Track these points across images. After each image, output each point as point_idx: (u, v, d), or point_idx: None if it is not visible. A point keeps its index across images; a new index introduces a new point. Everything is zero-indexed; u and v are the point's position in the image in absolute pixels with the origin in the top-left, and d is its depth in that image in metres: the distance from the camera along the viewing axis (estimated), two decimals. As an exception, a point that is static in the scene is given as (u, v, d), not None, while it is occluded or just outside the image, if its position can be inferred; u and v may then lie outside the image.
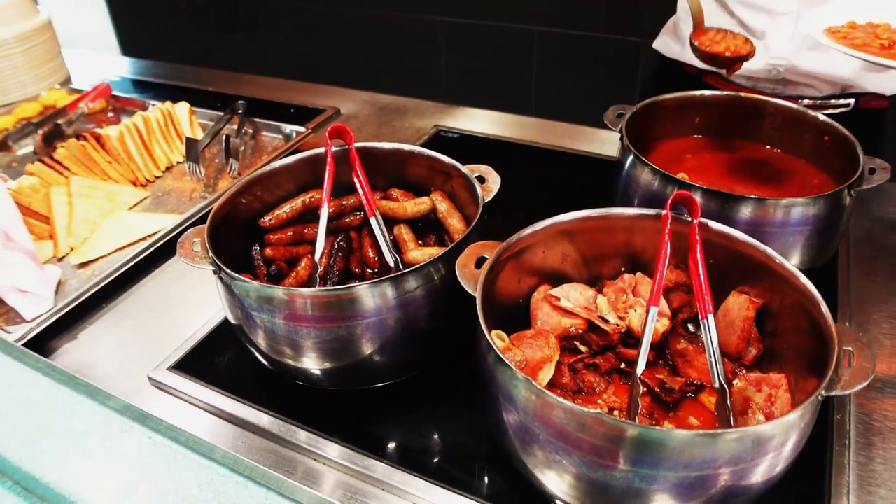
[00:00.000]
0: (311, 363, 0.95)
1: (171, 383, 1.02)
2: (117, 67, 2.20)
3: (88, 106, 1.78)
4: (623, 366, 0.95)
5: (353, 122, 1.71)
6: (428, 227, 1.15)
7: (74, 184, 1.39)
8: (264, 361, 1.01)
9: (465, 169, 1.06)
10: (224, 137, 1.55)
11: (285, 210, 1.12)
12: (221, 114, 1.69)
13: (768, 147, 1.25)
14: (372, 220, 1.06)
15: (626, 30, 2.66)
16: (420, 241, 1.12)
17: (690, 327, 1.01)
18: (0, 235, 1.20)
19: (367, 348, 0.93)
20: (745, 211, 1.03)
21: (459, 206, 1.12)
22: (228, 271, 0.91)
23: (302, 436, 0.93)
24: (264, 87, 1.93)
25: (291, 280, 1.08)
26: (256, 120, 1.66)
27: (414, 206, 1.11)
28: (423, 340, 0.98)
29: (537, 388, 0.73)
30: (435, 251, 1.07)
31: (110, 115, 1.85)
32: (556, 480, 0.77)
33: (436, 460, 0.93)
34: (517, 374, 0.75)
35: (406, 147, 1.14)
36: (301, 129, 1.61)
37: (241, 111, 1.65)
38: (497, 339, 0.83)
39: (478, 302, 0.82)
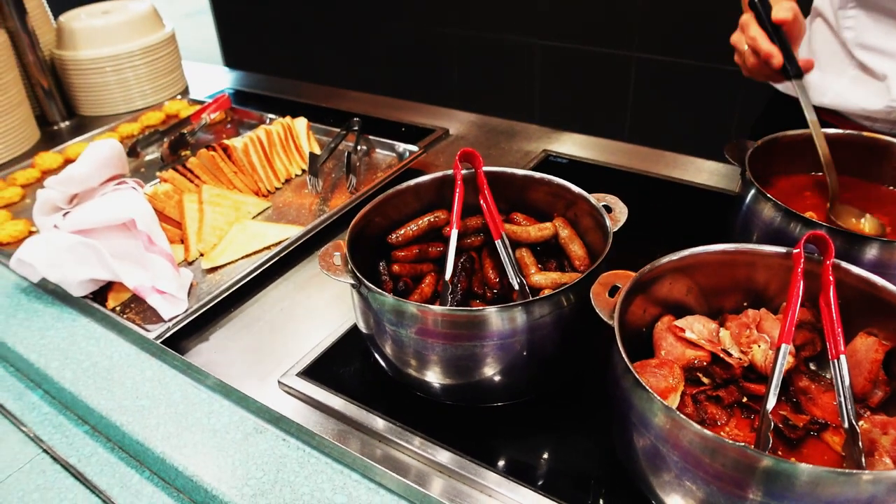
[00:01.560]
0: (436, 377, 1.00)
1: (301, 388, 1.08)
2: (230, 80, 2.32)
3: (210, 117, 1.89)
4: (745, 399, 0.96)
5: (463, 143, 1.76)
6: (547, 252, 1.19)
7: (205, 192, 1.48)
8: (390, 372, 1.06)
9: (592, 198, 1.09)
10: (346, 154, 1.62)
11: (412, 228, 1.17)
12: (335, 129, 1.77)
13: (890, 188, 1.24)
14: (498, 243, 1.11)
15: (723, 59, 2.65)
16: (541, 266, 1.16)
17: (812, 366, 1.02)
18: (143, 238, 1.29)
19: (491, 368, 0.97)
20: (872, 252, 1.03)
21: (580, 233, 1.16)
22: (370, 285, 0.97)
23: (434, 450, 0.97)
24: (372, 105, 2.01)
25: (416, 296, 1.13)
26: (370, 137, 1.73)
27: (537, 230, 1.15)
28: (544, 365, 1.01)
29: (677, 415, 0.75)
30: (558, 276, 1.10)
31: (228, 126, 1.95)
32: (678, 502, 0.80)
33: (547, 476, 0.96)
34: (655, 397, 0.78)
35: (532, 173, 1.18)
36: (414, 148, 1.67)
37: (356, 128, 1.72)
38: (631, 367, 0.86)
39: (616, 329, 0.85)
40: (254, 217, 1.51)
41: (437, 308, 0.95)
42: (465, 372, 0.98)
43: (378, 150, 1.73)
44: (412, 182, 1.18)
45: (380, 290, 0.96)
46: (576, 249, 1.14)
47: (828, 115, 1.47)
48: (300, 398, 1.08)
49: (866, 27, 1.37)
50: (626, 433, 0.84)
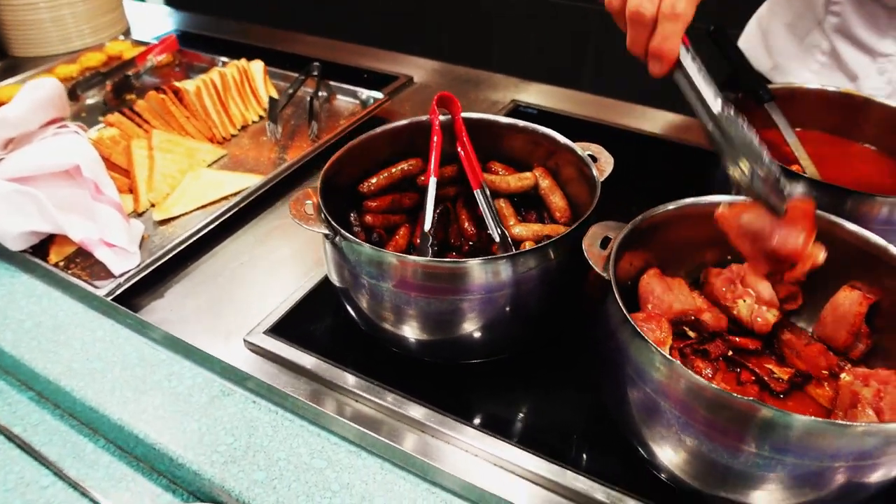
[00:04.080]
0: (415, 332, 0.96)
1: (269, 346, 1.02)
2: (175, 21, 2.17)
3: (156, 59, 1.77)
4: (731, 353, 0.95)
5: (428, 92, 1.69)
6: (525, 203, 1.14)
7: (155, 137, 1.38)
8: (365, 327, 1.01)
9: (577, 147, 1.05)
10: (309, 100, 1.53)
11: (384, 177, 1.11)
12: (292, 74, 1.67)
13: (867, 146, 1.24)
14: (477, 193, 1.06)
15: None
16: (520, 217, 1.12)
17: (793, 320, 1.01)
18: (90, 186, 1.19)
19: (473, 323, 0.93)
20: (861, 207, 1.02)
21: (561, 184, 1.12)
22: (347, 234, 0.91)
23: (415, 409, 0.93)
24: (329, 49, 1.90)
25: (391, 248, 1.07)
26: (331, 83, 1.64)
27: (517, 180, 1.11)
28: (527, 320, 0.98)
29: (678, 366, 0.73)
30: (539, 228, 1.07)
31: (176, 69, 1.83)
32: (670, 455, 0.79)
33: (529, 431, 0.94)
34: (654, 348, 0.75)
35: (514, 121, 1.14)
36: (378, 94, 1.59)
37: (315, 73, 1.63)
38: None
39: (612, 281, 0.82)
40: (209, 165, 1.42)
41: (421, 259, 0.90)
42: (446, 327, 0.94)
43: (339, 97, 1.65)
44: (385, 127, 1.11)
45: (357, 240, 0.91)
46: (556, 201, 1.10)
47: None
48: (269, 357, 1.02)
49: (852, 16, 1.35)
50: (620, 386, 0.82)
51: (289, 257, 1.22)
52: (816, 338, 0.97)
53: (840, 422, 0.74)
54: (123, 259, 1.16)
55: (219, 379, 1.00)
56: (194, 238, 1.22)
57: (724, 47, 1.25)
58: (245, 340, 1.04)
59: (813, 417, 0.71)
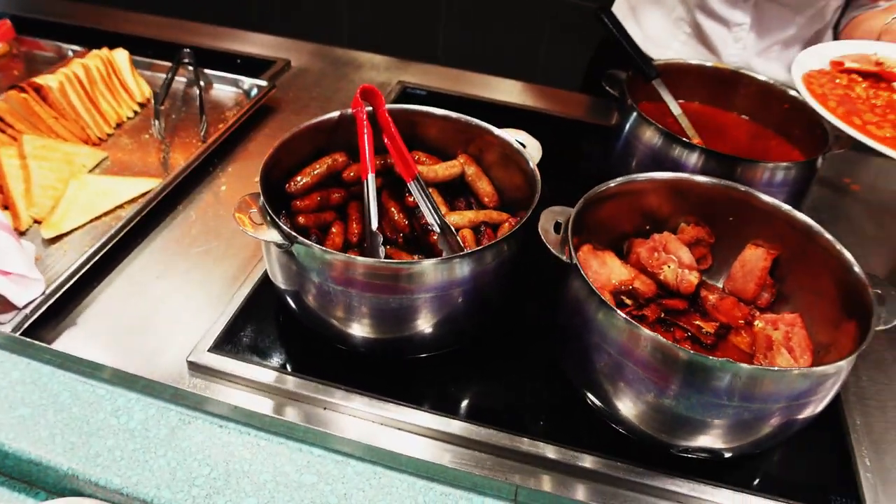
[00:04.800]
0: (369, 331, 0.96)
1: (218, 365, 0.97)
2: (1, 3, 1.92)
3: (-9, 50, 1.56)
4: (663, 315, 1.05)
5: (309, 76, 1.64)
6: (450, 191, 1.17)
7: (27, 144, 1.23)
8: (316, 329, 1.00)
9: (507, 136, 1.09)
10: (198, 94, 1.44)
11: (312, 175, 1.09)
12: (159, 62, 1.56)
13: (741, 115, 1.39)
14: (412, 185, 1.07)
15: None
16: (448, 205, 1.14)
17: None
18: (-31, 208, 1.06)
19: (431, 319, 0.95)
20: (748, 172, 1.15)
21: (485, 169, 1.15)
22: (305, 241, 0.89)
23: (386, 407, 0.94)
24: (188, 33, 1.78)
25: (329, 247, 1.05)
26: (207, 72, 1.54)
27: (445, 169, 1.12)
28: (482, 312, 1.01)
29: (644, 330, 0.81)
30: (473, 214, 1.10)
31: (15, 60, 1.62)
32: (631, 408, 0.87)
33: (504, 413, 0.98)
34: (619, 315, 0.83)
35: (436, 111, 1.15)
36: (262, 83, 1.52)
37: (186, 61, 1.53)
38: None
39: (575, 261, 0.88)
40: (91, 170, 1.30)
41: (383, 262, 0.90)
42: (402, 324, 0.95)
43: (217, 86, 1.56)
44: (312, 122, 1.09)
45: (314, 245, 0.89)
46: (484, 186, 1.14)
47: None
48: (220, 376, 0.97)
49: None
50: (586, 353, 0.89)
51: (209, 264, 1.16)
52: (728, 292, 1.10)
53: (780, 368, 0.85)
54: (25, 287, 1.04)
55: (174, 407, 0.94)
56: (99, 255, 1.12)
57: (611, 28, 1.34)
58: (189, 361, 0.98)
59: (761, 367, 0.81)
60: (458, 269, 0.91)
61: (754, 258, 1.07)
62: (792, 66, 1.20)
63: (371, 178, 1.03)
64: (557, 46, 2.86)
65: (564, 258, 0.90)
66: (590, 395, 0.93)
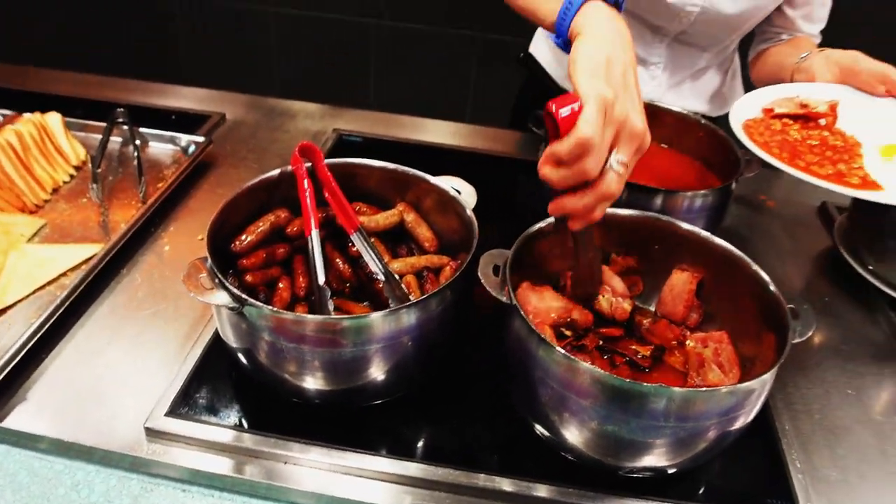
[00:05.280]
0: (321, 384, 0.99)
1: (175, 429, 0.98)
2: None
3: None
4: (601, 343, 1.11)
5: (245, 128, 1.67)
6: (390, 238, 1.21)
7: (-38, 219, 1.23)
8: (265, 382, 1.03)
9: (441, 183, 1.14)
10: (135, 155, 1.44)
11: (256, 232, 1.11)
12: (92, 123, 1.55)
13: (663, 145, 1.48)
14: (355, 236, 1.10)
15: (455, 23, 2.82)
16: (391, 253, 1.18)
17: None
18: None
19: (380, 369, 0.98)
20: (669, 202, 1.24)
21: (423, 215, 1.20)
22: (256, 302, 0.92)
23: (346, 456, 0.97)
24: (118, 89, 1.78)
25: (277, 304, 1.09)
26: (142, 130, 1.55)
27: (385, 219, 1.17)
28: (428, 357, 1.05)
29: (582, 364, 0.87)
30: (415, 260, 1.15)
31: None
32: (577, 436, 0.92)
33: (462, 452, 1.02)
34: (558, 350, 0.88)
35: (373, 163, 1.19)
36: (199, 139, 1.54)
37: (121, 120, 1.53)
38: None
39: (515, 302, 0.93)
40: (29, 239, 1.29)
41: (332, 318, 0.94)
42: (353, 375, 0.98)
43: (153, 144, 1.57)
44: (254, 182, 1.12)
45: (264, 306, 0.92)
46: (424, 232, 1.18)
47: None
48: (178, 440, 0.98)
49: None
50: (532, 387, 0.94)
51: (159, 326, 1.17)
52: (660, 315, 1.17)
53: (711, 387, 0.92)
54: (-30, 366, 1.04)
55: (134, 476, 0.95)
56: (45, 327, 1.12)
57: (533, 71, 1.41)
58: (146, 428, 0.99)
59: (692, 388, 0.88)
60: (405, 318, 0.95)
61: (681, 282, 1.15)
62: (730, 118, 1.29)
63: (315, 233, 1.07)
64: (485, 83, 2.95)
65: (504, 299, 0.96)
66: (538, 426, 0.98)
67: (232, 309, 0.94)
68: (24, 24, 3.26)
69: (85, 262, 1.23)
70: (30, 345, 1.08)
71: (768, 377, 0.91)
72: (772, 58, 1.58)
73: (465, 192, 1.15)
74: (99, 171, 1.43)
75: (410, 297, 1.07)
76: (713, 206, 1.29)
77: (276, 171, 1.13)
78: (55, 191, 1.43)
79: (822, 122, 1.30)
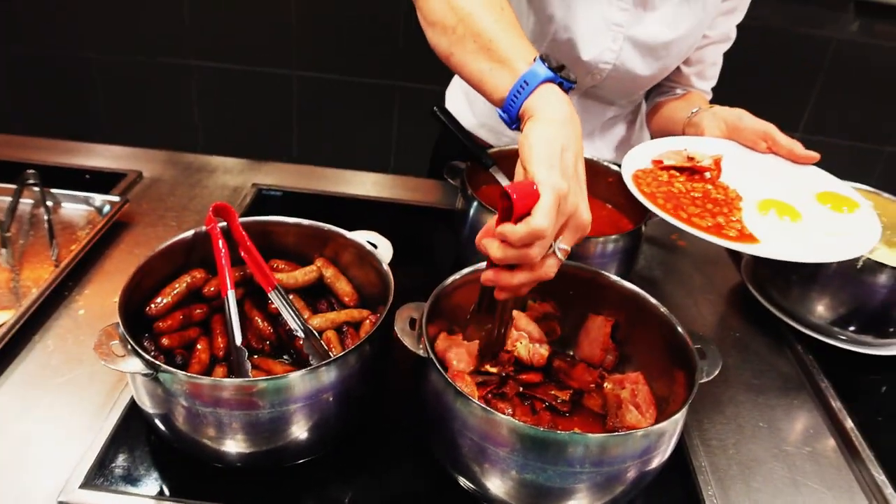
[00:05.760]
0: (241, 446, 0.97)
1: (92, 502, 0.96)
2: None
3: None
4: (521, 389, 1.13)
5: (163, 186, 1.65)
6: (311, 293, 1.21)
7: None
8: (182, 447, 1.01)
9: (359, 239, 1.16)
10: (46, 218, 1.41)
11: (172, 295, 1.10)
12: (1, 186, 1.52)
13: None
14: (272, 294, 1.11)
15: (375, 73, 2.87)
16: (311, 308, 1.19)
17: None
18: None
19: (302, 427, 0.98)
20: (582, 248, 1.28)
21: (342, 270, 1.21)
22: (170, 369, 0.91)
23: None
24: (25, 149, 1.74)
25: (196, 366, 1.07)
26: (53, 191, 1.52)
27: (303, 275, 1.17)
28: (350, 412, 1.04)
29: (499, 415, 0.89)
30: (335, 315, 1.15)
31: None
32: (499, 485, 0.93)
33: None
34: (475, 403, 0.90)
35: (287, 220, 1.20)
36: (114, 198, 1.51)
37: (31, 181, 1.50)
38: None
39: (430, 355, 0.95)
40: (-66, 310, 1.24)
41: (247, 381, 0.93)
42: (274, 436, 0.97)
43: (66, 205, 1.53)
44: (167, 243, 1.11)
45: (181, 373, 0.91)
46: (343, 286, 1.19)
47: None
48: (94, 513, 0.96)
49: None
50: (451, 438, 0.95)
51: (73, 393, 1.13)
52: (578, 359, 1.20)
53: (624, 432, 0.95)
54: None
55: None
56: (-50, 400, 1.07)
57: (447, 123, 1.45)
58: (60, 502, 0.96)
59: (605, 434, 0.90)
60: (325, 375, 0.95)
61: (595, 326, 1.19)
62: (622, 167, 1.31)
63: (231, 294, 1.06)
64: (406, 132, 3.00)
65: (422, 353, 0.97)
66: (461, 477, 0.99)
67: (146, 375, 0.93)
68: None
69: (-4, 330, 1.19)
70: (-69, 422, 1.04)
71: (679, 417, 0.95)
72: (666, 111, 1.67)
73: (381, 246, 1.16)
74: (8, 235, 1.39)
75: (331, 353, 1.08)
76: (625, 249, 1.34)
77: (190, 232, 1.13)
78: (-39, 257, 1.38)
79: (708, 174, 1.35)
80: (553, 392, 1.14)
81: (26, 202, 1.51)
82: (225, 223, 1.15)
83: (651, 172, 1.34)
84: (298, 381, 0.93)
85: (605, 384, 1.13)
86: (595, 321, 1.19)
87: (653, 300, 1.11)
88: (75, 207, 1.54)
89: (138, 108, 3.10)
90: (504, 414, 1.05)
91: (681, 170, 1.35)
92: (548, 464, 0.88)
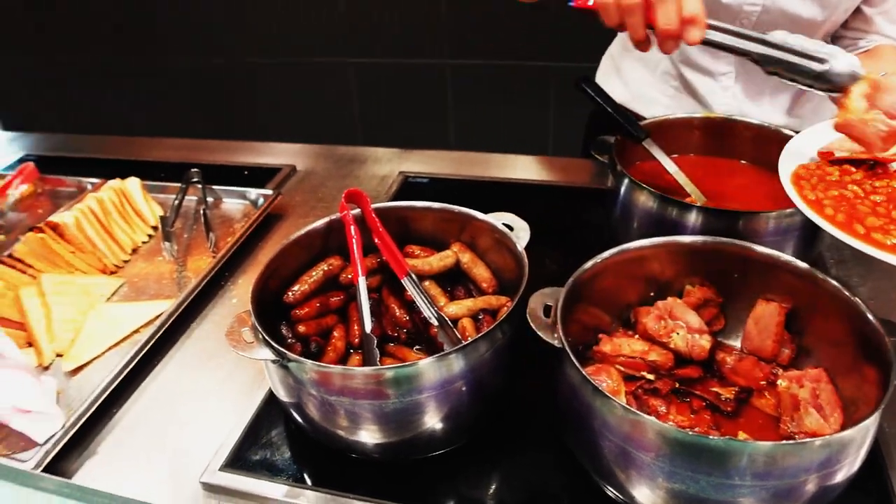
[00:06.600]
0: (372, 437, 0.94)
1: (229, 483, 0.97)
2: (21, 145, 2.04)
3: (18, 192, 1.65)
4: (677, 385, 1.01)
5: (315, 178, 1.69)
6: (448, 279, 1.16)
7: (46, 282, 1.29)
8: (321, 439, 0.99)
9: (493, 221, 1.09)
10: (202, 211, 1.49)
11: (308, 282, 1.10)
12: (170, 184, 1.62)
13: (741, 161, 1.36)
14: (405, 281, 1.07)
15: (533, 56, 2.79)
16: (448, 295, 1.14)
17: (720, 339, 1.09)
18: (-11, 354, 1.10)
19: (433, 418, 0.93)
20: (751, 224, 1.12)
21: (480, 255, 1.15)
22: (295, 357, 0.89)
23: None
24: (199, 150, 1.86)
25: (331, 354, 1.06)
26: (215, 188, 1.60)
27: (439, 261, 1.12)
28: (484, 402, 0.99)
29: (647, 418, 0.78)
30: (472, 303, 1.09)
31: (40, 198, 1.71)
32: (648, 495, 0.82)
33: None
34: (615, 402, 0.80)
35: (423, 204, 1.16)
36: (267, 192, 1.57)
37: (196, 180, 1.59)
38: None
39: (565, 346, 0.86)
40: (108, 298, 1.34)
41: (372, 369, 0.90)
42: (405, 427, 0.93)
43: (226, 200, 1.61)
44: (302, 232, 1.11)
45: (306, 361, 0.89)
46: (481, 272, 1.13)
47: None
48: (231, 494, 0.97)
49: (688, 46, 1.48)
50: (591, 440, 0.85)
51: (221, 381, 1.17)
52: (746, 352, 1.05)
53: (799, 440, 0.80)
54: (44, 424, 1.07)
55: (189, 533, 0.94)
56: (116, 382, 1.14)
57: (594, 95, 1.34)
58: (202, 482, 0.98)
59: (772, 442, 0.76)
60: (455, 363, 0.90)
61: (767, 314, 1.03)
62: (779, 165, 1.08)
63: (362, 280, 1.04)
64: (564, 114, 2.88)
65: (556, 343, 0.88)
66: (606, 485, 0.89)
67: (274, 362, 0.92)
68: (114, 97, 3.52)
69: (157, 318, 1.26)
70: (98, 402, 1.11)
71: (871, 422, 0.79)
72: None
73: (518, 228, 1.09)
74: (172, 229, 1.47)
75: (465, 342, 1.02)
76: (803, 226, 1.15)
77: (324, 220, 1.12)
78: (134, 251, 1.49)
79: (895, 167, 1.02)
80: (715, 389, 1.00)
81: (191, 199, 1.59)
82: (359, 209, 1.13)
83: (816, 170, 1.05)
84: (426, 369, 0.88)
85: (780, 382, 0.97)
86: (765, 307, 1.03)
87: (835, 283, 0.94)
88: (233, 202, 1.61)
89: (300, 107, 3.25)
90: (657, 412, 0.97)
91: (857, 163, 1.05)
92: (700, 473, 0.76)
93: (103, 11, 3.24)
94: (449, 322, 1.04)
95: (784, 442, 0.78)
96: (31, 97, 3.67)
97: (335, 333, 1.09)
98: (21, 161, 1.85)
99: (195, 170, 1.60)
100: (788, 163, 1.08)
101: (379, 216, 1.13)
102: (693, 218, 1.15)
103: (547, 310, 0.93)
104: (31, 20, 3.41)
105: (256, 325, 0.94)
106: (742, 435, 0.93)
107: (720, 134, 1.36)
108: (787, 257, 1.00)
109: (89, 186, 1.65)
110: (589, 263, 0.99)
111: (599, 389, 0.81)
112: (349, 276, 1.11)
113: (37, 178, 1.72)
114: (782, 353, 1.03)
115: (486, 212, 1.12)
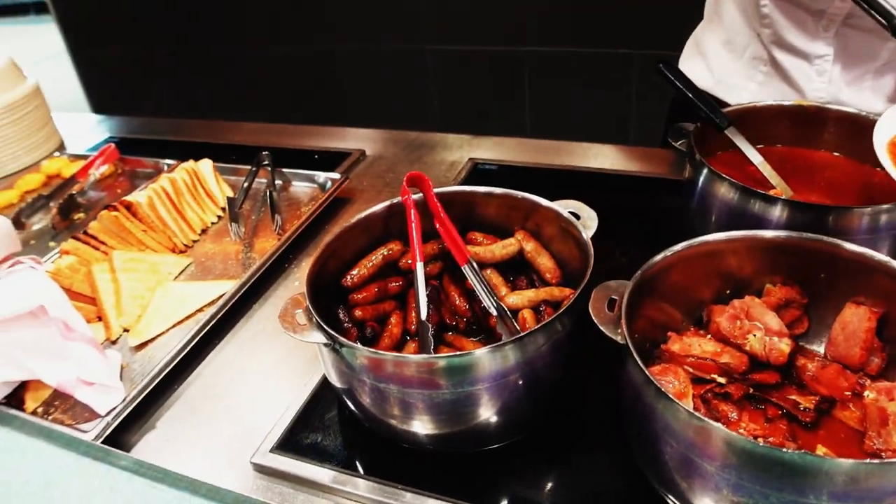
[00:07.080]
0: (426, 427, 0.92)
1: (279, 465, 0.96)
2: (107, 127, 2.12)
3: (98, 172, 1.71)
4: (751, 391, 0.93)
5: (384, 163, 1.67)
6: (511, 268, 1.12)
7: (117, 259, 1.32)
8: (373, 427, 0.97)
9: (559, 208, 1.04)
10: (268, 193, 1.50)
11: (367, 266, 1.08)
12: (242, 167, 1.64)
13: (831, 153, 1.26)
14: (465, 268, 1.03)
15: (612, 43, 2.70)
16: (510, 284, 1.10)
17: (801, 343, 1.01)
18: (59, 325, 1.13)
19: (488, 410, 0.89)
20: (843, 220, 1.02)
21: (544, 244, 1.10)
22: (347, 342, 0.87)
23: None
24: (273, 135, 1.88)
25: (387, 340, 1.04)
26: (284, 170, 1.61)
27: (501, 248, 1.08)
28: (541, 396, 0.95)
29: (707, 422, 0.72)
30: (534, 293, 1.04)
31: (120, 179, 1.77)
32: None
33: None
34: (680, 406, 0.74)
35: (487, 189, 1.12)
36: (335, 175, 1.56)
37: (266, 163, 1.60)
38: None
39: (629, 343, 0.80)
40: (176, 277, 1.36)
41: (425, 357, 0.86)
42: (459, 418, 0.90)
43: (295, 183, 1.62)
44: (360, 217, 1.09)
45: (358, 346, 0.87)
46: (545, 262, 1.08)
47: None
48: (280, 476, 0.96)
49: (783, 25, 1.38)
50: (653, 444, 0.80)
51: (278, 362, 1.17)
52: (831, 359, 0.97)
53: (887, 459, 0.73)
54: (106, 396, 1.09)
55: (237, 512, 0.94)
56: (177, 360, 1.16)
57: (675, 80, 1.26)
58: (252, 463, 0.98)
59: (855, 460, 0.69)
60: (511, 355, 0.86)
61: (856, 318, 0.94)
62: (874, 134, 1.02)
63: (420, 266, 1.01)
64: (646, 102, 2.77)
65: (619, 340, 0.83)
66: (667, 493, 0.83)
67: (326, 346, 0.90)
68: (200, 84, 3.61)
69: (220, 298, 1.27)
70: (159, 378, 1.13)
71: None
72: None
73: (585, 216, 1.03)
74: (239, 210, 1.48)
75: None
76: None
77: (384, 204, 1.10)
78: (204, 231, 1.51)
79: None
80: (793, 397, 0.92)
81: (261, 181, 1.60)
82: (421, 194, 1.10)
83: None
84: (479, 359, 0.85)
85: (867, 393, 0.89)
86: (855, 311, 0.94)
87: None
88: (302, 185, 1.61)
89: (381, 93, 3.25)
90: (727, 419, 0.90)
91: None
92: (770, 489, 0.70)
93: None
94: (508, 312, 1.00)
95: (869, 461, 0.70)
96: (123, 84, 3.83)
97: (392, 319, 1.07)
98: (105, 142, 1.92)
99: (265, 153, 1.61)
100: (884, 132, 1.02)
101: (441, 201, 1.09)
102: (777, 212, 1.06)
103: (612, 303, 0.88)
104: (128, 12, 3.55)
105: (310, 307, 0.92)
106: (821, 449, 0.86)
107: (811, 123, 1.26)
108: (880, 257, 0.91)
109: (165, 167, 1.69)
110: (659, 256, 0.93)
111: (663, 391, 0.76)
112: (409, 262, 1.08)
113: (117, 159, 1.77)
114: (871, 361, 0.94)
115: (553, 200, 1.07)
